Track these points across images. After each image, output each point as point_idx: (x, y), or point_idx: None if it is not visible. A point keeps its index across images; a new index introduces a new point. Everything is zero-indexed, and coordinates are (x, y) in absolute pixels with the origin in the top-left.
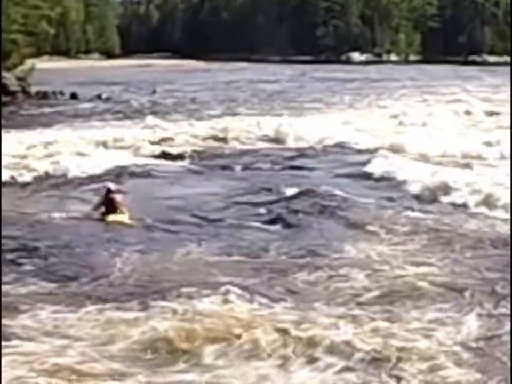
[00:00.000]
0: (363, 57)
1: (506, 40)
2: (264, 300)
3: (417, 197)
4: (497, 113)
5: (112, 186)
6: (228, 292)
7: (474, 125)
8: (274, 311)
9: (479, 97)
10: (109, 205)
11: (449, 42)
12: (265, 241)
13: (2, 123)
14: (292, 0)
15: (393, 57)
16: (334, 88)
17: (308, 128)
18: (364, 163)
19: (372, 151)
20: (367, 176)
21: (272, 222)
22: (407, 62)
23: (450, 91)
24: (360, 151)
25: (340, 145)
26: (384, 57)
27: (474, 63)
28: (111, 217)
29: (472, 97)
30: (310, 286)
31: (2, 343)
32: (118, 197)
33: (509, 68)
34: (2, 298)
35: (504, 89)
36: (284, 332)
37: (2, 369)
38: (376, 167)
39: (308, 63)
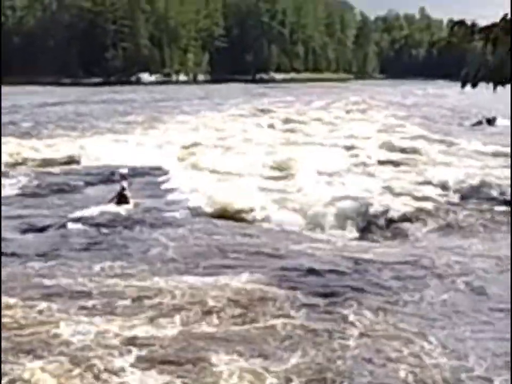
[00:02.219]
0: (153, 78)
1: (292, 57)
2: None
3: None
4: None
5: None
6: None
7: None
8: None
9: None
10: (121, 197)
11: (237, 61)
12: None
13: None
14: (80, 24)
15: (182, 77)
16: (122, 109)
17: (101, 149)
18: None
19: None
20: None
21: None
22: (195, 81)
23: (239, 107)
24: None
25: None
26: (174, 77)
27: (262, 80)
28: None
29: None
30: None
31: None
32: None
33: (295, 84)
34: None
35: (294, 104)
36: None
37: None
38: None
39: (98, 85)
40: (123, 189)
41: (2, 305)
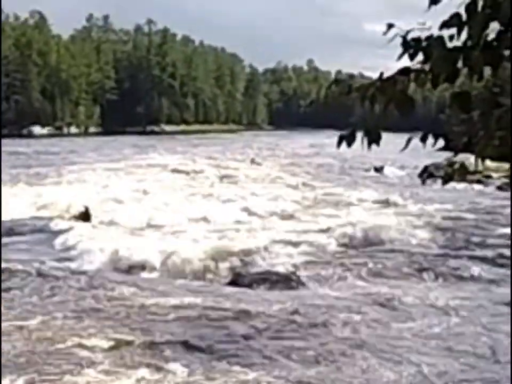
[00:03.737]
0: (44, 131)
1: (182, 109)
2: None
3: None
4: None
5: None
6: None
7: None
8: None
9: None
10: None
11: (128, 114)
12: None
13: None
14: None
15: (73, 129)
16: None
17: None
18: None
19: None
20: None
21: None
22: (86, 134)
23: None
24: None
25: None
26: (65, 130)
27: (152, 132)
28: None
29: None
30: None
31: None
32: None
33: (185, 136)
34: None
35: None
36: None
37: None
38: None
39: None
40: (86, 208)
41: None
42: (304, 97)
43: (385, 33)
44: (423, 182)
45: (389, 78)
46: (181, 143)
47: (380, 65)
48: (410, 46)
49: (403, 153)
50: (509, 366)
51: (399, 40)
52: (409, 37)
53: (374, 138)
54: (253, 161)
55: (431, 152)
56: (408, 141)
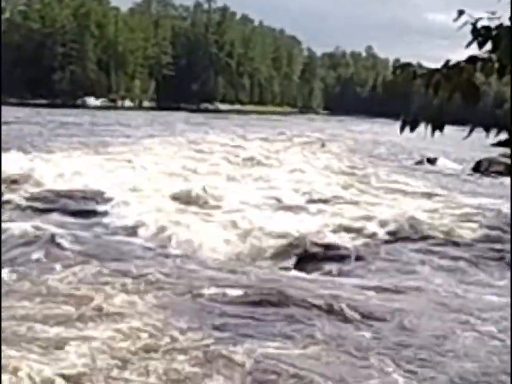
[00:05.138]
0: (98, 102)
1: (237, 89)
2: None
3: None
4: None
5: None
6: None
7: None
8: None
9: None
10: None
11: (183, 90)
12: None
13: None
14: (28, 44)
15: (127, 103)
16: (74, 131)
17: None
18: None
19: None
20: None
21: None
22: (140, 108)
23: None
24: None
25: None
26: (119, 102)
27: (206, 110)
28: None
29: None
30: None
31: None
32: None
33: (240, 115)
34: None
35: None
36: None
37: None
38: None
39: (44, 106)
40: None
41: None
42: (361, 84)
43: (455, 20)
44: (482, 174)
45: (455, 66)
46: (238, 123)
47: (440, 56)
48: (480, 34)
49: (457, 146)
50: None
51: (461, 31)
52: (479, 25)
53: (437, 125)
54: (323, 145)
55: (486, 146)
56: (471, 130)
